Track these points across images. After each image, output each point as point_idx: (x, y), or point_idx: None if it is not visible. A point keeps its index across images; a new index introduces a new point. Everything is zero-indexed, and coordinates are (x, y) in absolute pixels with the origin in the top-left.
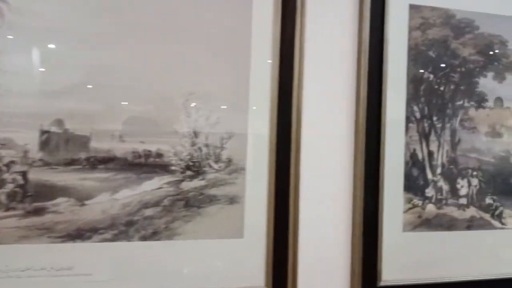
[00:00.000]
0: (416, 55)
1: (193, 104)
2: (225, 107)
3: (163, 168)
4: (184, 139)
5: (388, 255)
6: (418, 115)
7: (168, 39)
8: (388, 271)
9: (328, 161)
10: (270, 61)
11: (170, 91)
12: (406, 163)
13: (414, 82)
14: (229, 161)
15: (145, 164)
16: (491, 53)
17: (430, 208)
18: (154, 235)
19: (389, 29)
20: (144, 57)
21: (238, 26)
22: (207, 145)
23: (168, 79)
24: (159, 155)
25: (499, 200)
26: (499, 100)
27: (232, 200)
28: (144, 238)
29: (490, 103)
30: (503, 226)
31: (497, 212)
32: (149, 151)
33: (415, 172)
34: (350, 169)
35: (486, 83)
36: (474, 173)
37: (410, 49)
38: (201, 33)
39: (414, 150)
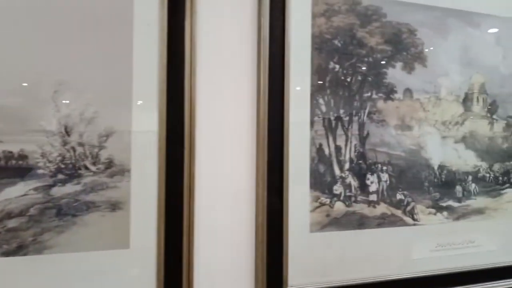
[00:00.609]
0: (320, 44)
1: (63, 96)
2: (103, 100)
3: (28, 171)
4: (54, 138)
5: (294, 259)
6: (324, 108)
7: (30, 19)
8: (295, 276)
9: (227, 159)
10: (156, 49)
11: (35, 80)
12: (312, 159)
13: (318, 72)
14: (110, 162)
15: (6, 168)
16: (399, 42)
17: (339, 206)
18: (19, 250)
19: (290, 15)
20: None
21: (117, 7)
22: (82, 144)
23: (33, 66)
24: (23, 156)
25: (410, 196)
26: (408, 92)
27: (115, 206)
28: (7, 254)
29: (399, 95)
30: (415, 222)
31: (408, 208)
32: (10, 152)
33: (321, 168)
34: (251, 166)
35: (395, 73)
36: (384, 168)
37: (314, 37)
38: (74, 15)
39: (320, 145)
